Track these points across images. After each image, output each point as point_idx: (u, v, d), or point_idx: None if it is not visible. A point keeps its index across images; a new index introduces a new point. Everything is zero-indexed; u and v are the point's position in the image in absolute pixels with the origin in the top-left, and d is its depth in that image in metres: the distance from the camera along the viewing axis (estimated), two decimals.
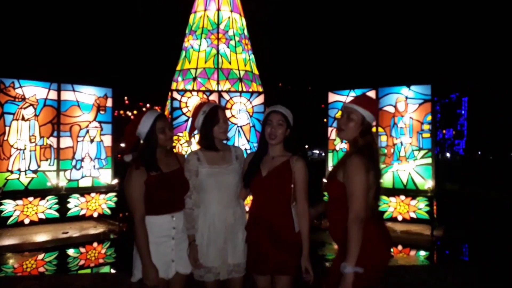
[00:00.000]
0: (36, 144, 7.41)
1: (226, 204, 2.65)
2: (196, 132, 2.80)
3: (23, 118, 7.28)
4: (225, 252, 2.62)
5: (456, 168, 28.82)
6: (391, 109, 8.00)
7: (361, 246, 2.10)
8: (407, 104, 7.83)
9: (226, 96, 8.85)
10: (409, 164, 7.77)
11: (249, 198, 2.80)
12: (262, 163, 2.68)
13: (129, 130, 2.61)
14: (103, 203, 7.85)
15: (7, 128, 7.13)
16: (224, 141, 2.83)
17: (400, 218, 7.54)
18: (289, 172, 2.58)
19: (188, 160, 2.70)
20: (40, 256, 5.78)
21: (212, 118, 2.69)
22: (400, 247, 6.38)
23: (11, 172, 7.17)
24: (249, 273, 2.69)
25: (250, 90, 10.56)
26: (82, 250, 6.19)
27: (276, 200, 2.60)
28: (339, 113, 2.45)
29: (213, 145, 2.72)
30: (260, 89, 11.73)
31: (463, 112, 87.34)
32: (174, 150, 2.91)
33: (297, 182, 2.58)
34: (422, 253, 6.33)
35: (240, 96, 8.96)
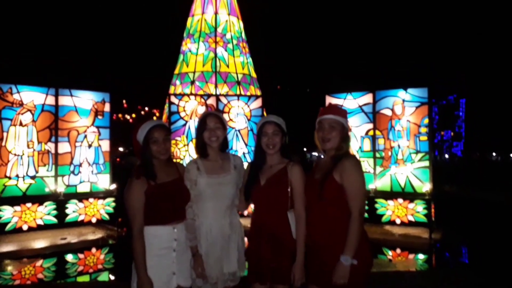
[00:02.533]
0: (34, 150, 7.40)
1: (222, 214, 2.64)
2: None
3: (21, 124, 7.27)
4: (221, 261, 2.61)
5: (454, 170, 28.81)
6: (388, 112, 8.03)
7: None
8: (404, 107, 7.86)
9: (223, 100, 8.87)
10: (406, 167, 7.78)
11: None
12: (261, 172, 2.69)
13: (134, 136, 2.58)
14: (102, 208, 7.84)
15: (4, 134, 7.13)
16: (228, 150, 2.85)
17: (398, 221, 7.55)
18: (285, 178, 2.60)
19: (188, 169, 2.67)
20: (39, 263, 5.77)
21: (200, 125, 2.71)
22: (398, 251, 6.39)
23: (9, 178, 7.16)
24: (249, 282, 2.67)
25: (248, 93, 10.57)
26: (81, 256, 6.18)
27: (274, 207, 2.61)
28: (317, 126, 2.64)
29: (204, 152, 2.71)
30: (258, 93, 11.72)
31: (461, 114, 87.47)
32: (174, 159, 2.86)
33: (294, 188, 2.58)
34: (420, 256, 6.33)
35: (238, 99, 8.98)
